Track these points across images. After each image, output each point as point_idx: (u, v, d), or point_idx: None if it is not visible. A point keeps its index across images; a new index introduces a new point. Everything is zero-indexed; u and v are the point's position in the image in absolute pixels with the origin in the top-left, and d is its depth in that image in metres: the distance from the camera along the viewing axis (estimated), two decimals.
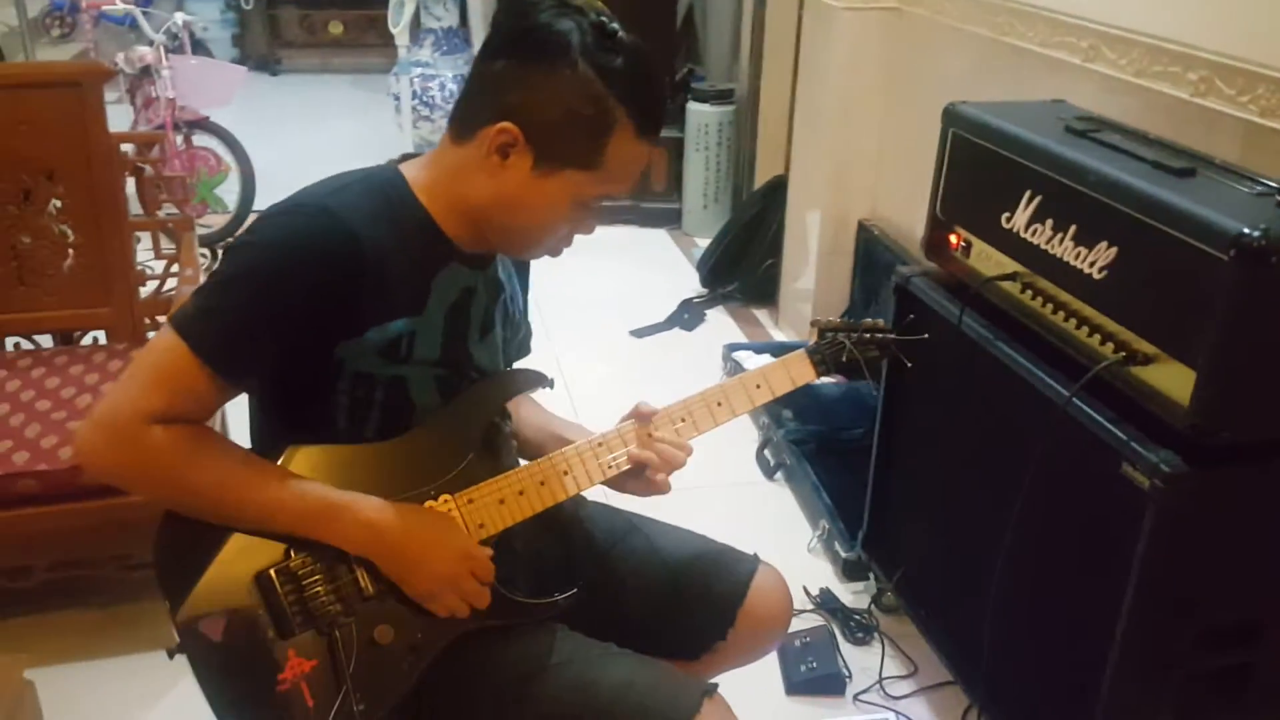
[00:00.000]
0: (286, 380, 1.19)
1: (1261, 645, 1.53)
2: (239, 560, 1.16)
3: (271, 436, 1.24)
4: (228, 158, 4.20)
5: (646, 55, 1.18)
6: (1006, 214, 1.70)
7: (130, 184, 2.48)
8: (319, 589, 1.17)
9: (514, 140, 1.15)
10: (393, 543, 1.18)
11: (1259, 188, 1.41)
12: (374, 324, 1.17)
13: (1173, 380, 1.38)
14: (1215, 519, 1.42)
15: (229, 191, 4.27)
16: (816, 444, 2.78)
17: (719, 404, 1.36)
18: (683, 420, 1.35)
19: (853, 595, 2.37)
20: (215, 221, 4.24)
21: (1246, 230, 1.25)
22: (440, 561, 1.20)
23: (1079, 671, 1.54)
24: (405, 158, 1.27)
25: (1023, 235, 1.67)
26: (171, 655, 1.16)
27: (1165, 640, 1.49)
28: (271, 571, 1.16)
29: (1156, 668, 1.50)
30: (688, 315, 3.83)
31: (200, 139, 4.22)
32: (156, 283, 2.45)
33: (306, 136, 5.80)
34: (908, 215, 2.99)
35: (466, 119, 1.19)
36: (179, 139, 4.15)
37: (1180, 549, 1.42)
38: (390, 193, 1.20)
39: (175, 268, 2.46)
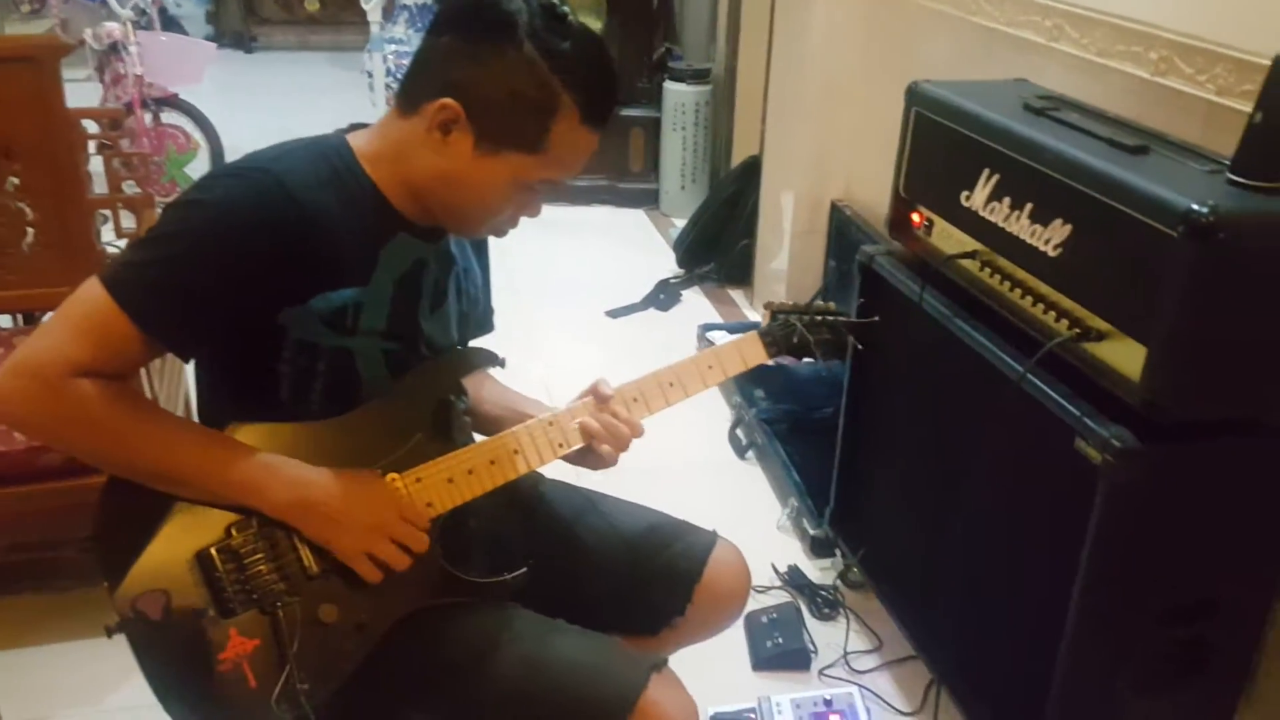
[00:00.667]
0: (226, 347, 1.18)
1: (1217, 619, 1.54)
2: (179, 538, 1.15)
3: (217, 412, 1.23)
4: (197, 136, 4.17)
5: (596, 41, 1.18)
6: (966, 192, 1.70)
7: (98, 162, 2.45)
8: (261, 567, 1.17)
9: (455, 117, 1.14)
10: (317, 500, 1.16)
11: (1210, 165, 1.41)
12: (318, 291, 1.16)
13: (1125, 356, 1.39)
14: (1167, 494, 1.43)
15: (199, 170, 4.24)
16: (789, 423, 2.78)
17: (671, 384, 1.36)
18: (635, 399, 1.35)
19: (820, 572, 2.38)
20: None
21: (1195, 207, 1.25)
22: (365, 513, 1.18)
23: (1038, 644, 1.55)
24: (354, 127, 1.26)
25: (981, 213, 1.67)
26: (110, 634, 1.15)
27: (1121, 613, 1.50)
28: (212, 550, 1.16)
29: (1113, 641, 1.52)
30: (664, 296, 3.82)
31: (169, 117, 4.18)
32: None
33: (282, 115, 5.74)
34: (879, 195, 2.99)
35: (411, 92, 1.18)
36: (147, 116, 4.11)
37: (1133, 523, 1.43)
38: (335, 160, 1.19)
39: None
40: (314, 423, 1.21)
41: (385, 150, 1.21)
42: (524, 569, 1.28)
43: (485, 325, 1.48)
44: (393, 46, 5.22)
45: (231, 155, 4.10)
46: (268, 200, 1.11)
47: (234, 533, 1.16)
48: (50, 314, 2.50)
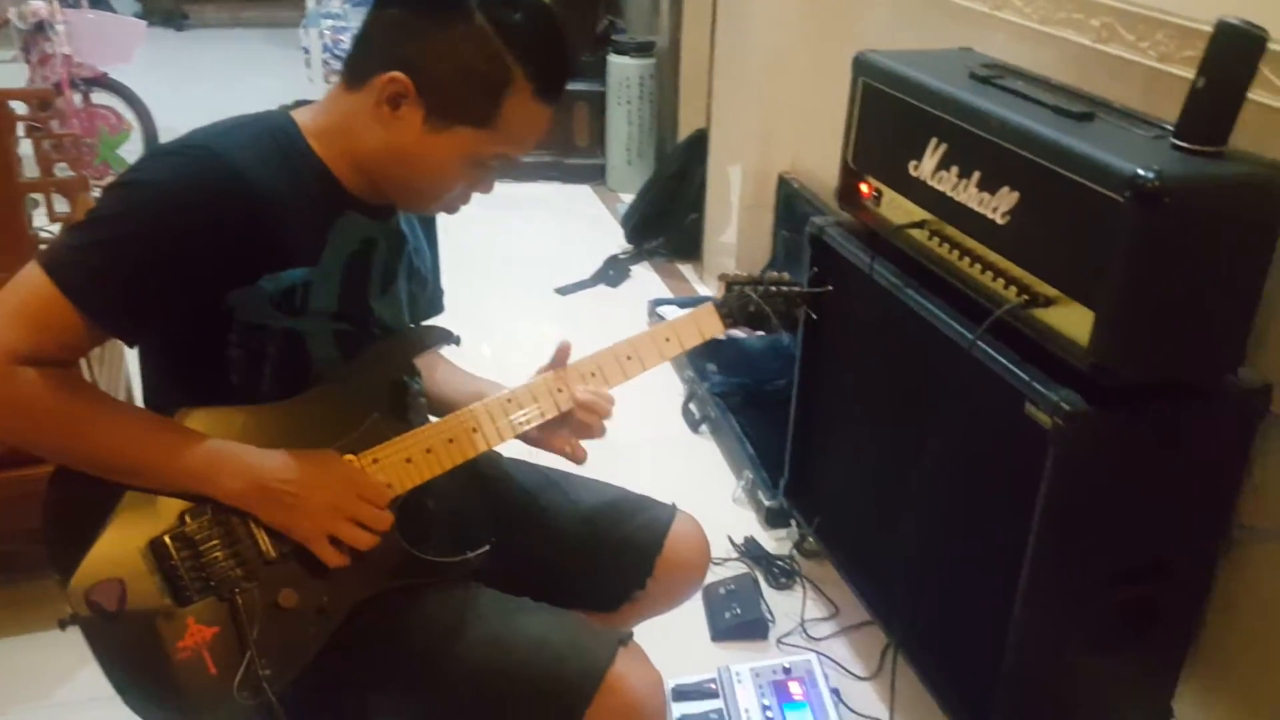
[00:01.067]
0: (173, 331, 1.15)
1: (1165, 578, 1.58)
2: (131, 526, 1.13)
3: (163, 398, 1.20)
4: (129, 116, 4.07)
5: (548, 13, 1.16)
6: (914, 162, 1.71)
7: (28, 145, 2.38)
8: (217, 554, 1.14)
9: (404, 91, 1.12)
10: (273, 485, 1.14)
11: (1155, 131, 1.43)
12: (266, 272, 1.13)
13: (1073, 321, 1.41)
14: (1116, 456, 1.46)
15: (132, 152, 4.13)
16: (741, 396, 2.80)
17: (629, 357, 1.36)
18: (593, 374, 1.34)
19: (775, 542, 2.40)
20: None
21: (1141, 172, 1.27)
22: (322, 494, 1.16)
23: (992, 607, 1.58)
24: (299, 103, 1.23)
25: (929, 183, 1.68)
26: (64, 626, 1.12)
27: (1072, 574, 1.53)
28: (166, 538, 1.13)
29: (1065, 601, 1.55)
30: (613, 272, 3.81)
31: (100, 97, 4.07)
32: None
33: (217, 94, 5.61)
34: (826, 168, 3.00)
35: (358, 65, 1.15)
36: (77, 97, 3.99)
37: (1083, 486, 1.45)
38: (281, 137, 1.16)
39: None
40: (266, 406, 1.19)
41: (332, 126, 1.18)
42: (486, 547, 1.28)
43: (435, 305, 1.46)
44: (329, 21, 5.13)
45: (165, 136, 4.01)
46: (212, 178, 1.08)
47: (188, 519, 1.14)
48: None
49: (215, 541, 1.15)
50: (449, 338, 1.32)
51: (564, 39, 1.18)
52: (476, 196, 1.26)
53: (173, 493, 1.14)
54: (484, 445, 1.28)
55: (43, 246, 2.31)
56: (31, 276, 1.07)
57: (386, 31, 1.14)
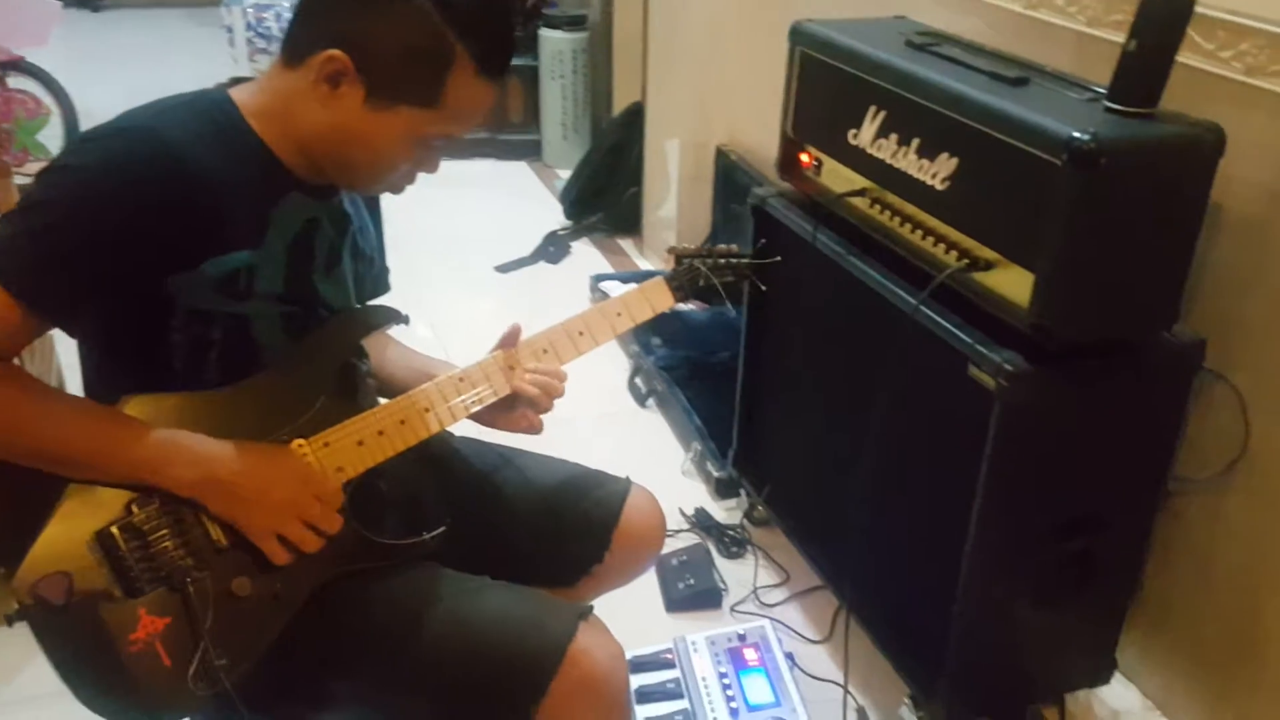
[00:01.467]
0: (113, 318, 1.12)
1: (1107, 531, 1.62)
2: (78, 517, 1.10)
3: (104, 386, 1.18)
4: (48, 100, 3.93)
5: None
6: (853, 130, 1.72)
7: None
8: (167, 544, 1.12)
9: (344, 70, 1.10)
10: (224, 477, 1.12)
11: (1088, 94, 1.46)
12: (209, 256, 1.11)
13: (1014, 284, 1.43)
14: (1058, 413, 1.50)
15: (51, 137, 3.99)
16: (687, 369, 2.81)
17: (580, 333, 1.36)
18: (545, 351, 1.34)
19: (725, 512, 2.43)
20: (37, 170, 3.97)
21: (1077, 134, 1.29)
22: (275, 490, 1.14)
23: (940, 565, 1.61)
24: (235, 81, 1.20)
25: (869, 151, 1.69)
26: (10, 622, 1.09)
27: (1017, 530, 1.57)
28: (113, 528, 1.10)
29: (1010, 557, 1.58)
30: (553, 248, 3.80)
31: (16, 81, 3.92)
32: None
33: (138, 76, 5.44)
34: (764, 139, 3.01)
35: (296, 42, 1.13)
36: None
37: (1027, 443, 1.49)
38: (220, 117, 1.14)
39: None
40: (212, 392, 1.17)
41: (272, 105, 1.15)
42: (442, 529, 1.27)
43: (381, 285, 1.44)
44: None
45: (86, 120, 3.89)
46: (148, 159, 1.05)
47: (135, 509, 1.11)
48: None
49: (164, 531, 1.12)
50: (398, 317, 1.30)
51: (507, 14, 1.17)
52: None
53: (121, 484, 1.11)
54: (437, 426, 1.27)
55: None
56: None
57: (325, 7, 1.11)
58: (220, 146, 1.11)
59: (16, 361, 1.12)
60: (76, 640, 1.10)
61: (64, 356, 1.96)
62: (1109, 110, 1.38)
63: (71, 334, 1.17)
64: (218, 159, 1.10)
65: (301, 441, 1.19)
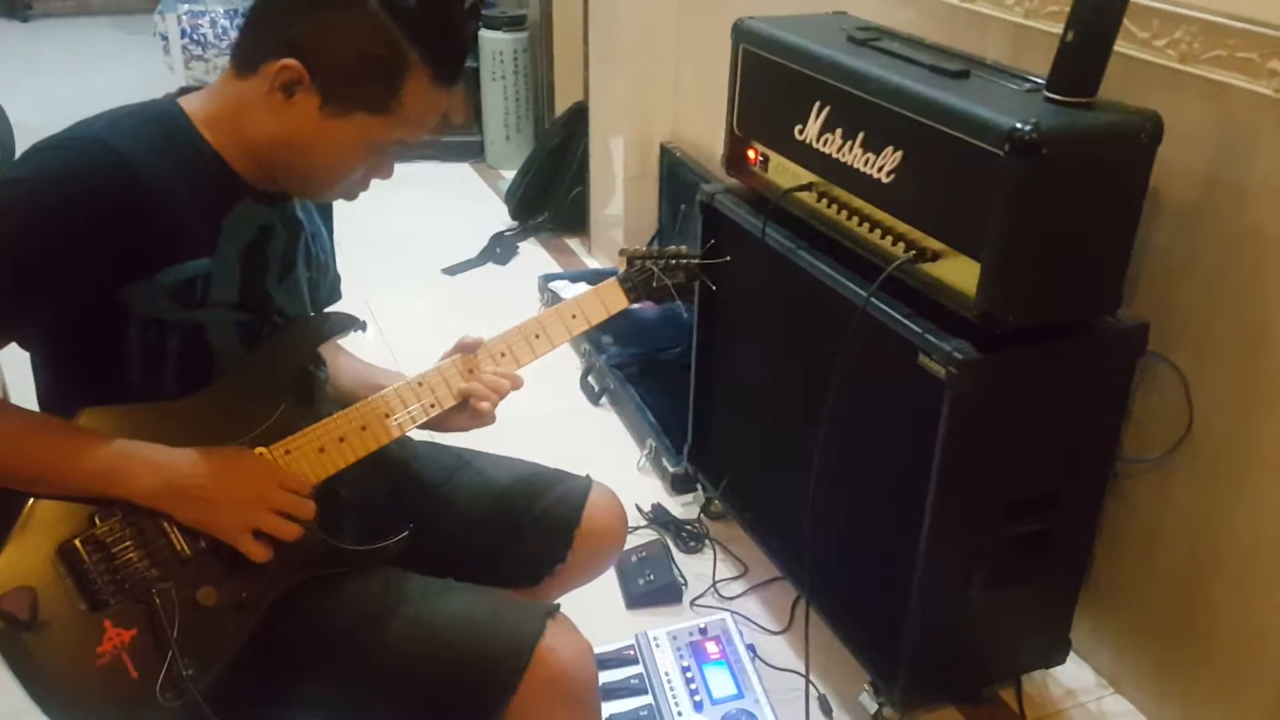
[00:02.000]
0: (67, 331, 1.11)
1: (1057, 512, 1.67)
2: (39, 531, 1.08)
3: (60, 399, 1.16)
4: None
5: None
6: (799, 126, 1.75)
7: None
8: (130, 555, 1.11)
9: (298, 78, 1.09)
10: (186, 482, 1.11)
11: (1028, 85, 1.50)
12: (164, 265, 1.10)
13: (960, 274, 1.47)
14: (1007, 398, 1.54)
15: None
16: (639, 366, 2.82)
17: (537, 336, 1.36)
18: (503, 354, 1.34)
19: (682, 507, 2.44)
20: None
21: (1019, 125, 1.33)
22: (240, 487, 1.14)
23: (896, 550, 1.64)
24: (184, 91, 1.19)
25: (815, 146, 1.72)
26: None
27: (971, 513, 1.60)
28: (76, 541, 1.09)
29: (965, 538, 1.62)
30: (500, 249, 3.78)
31: None
32: None
33: (70, 86, 5.33)
34: (708, 135, 3.03)
35: (248, 51, 1.12)
36: None
37: (978, 429, 1.52)
38: (170, 126, 1.13)
39: None
40: (171, 403, 1.16)
41: (223, 113, 1.15)
42: (405, 533, 1.27)
43: (335, 293, 1.44)
44: (186, 6, 4.91)
45: (19, 131, 3.79)
46: (99, 170, 1.04)
47: (97, 521, 1.10)
48: None
49: (128, 543, 1.11)
50: (355, 324, 1.30)
51: (460, 21, 1.17)
52: None
53: (81, 497, 1.10)
54: (397, 431, 1.27)
55: None
56: None
57: (278, 15, 1.11)
58: (171, 155, 1.10)
59: None
60: (42, 655, 1.09)
61: (9, 372, 1.91)
62: (1049, 100, 1.42)
63: (25, 347, 1.15)
64: (168, 168, 1.09)
65: (263, 449, 1.19)
